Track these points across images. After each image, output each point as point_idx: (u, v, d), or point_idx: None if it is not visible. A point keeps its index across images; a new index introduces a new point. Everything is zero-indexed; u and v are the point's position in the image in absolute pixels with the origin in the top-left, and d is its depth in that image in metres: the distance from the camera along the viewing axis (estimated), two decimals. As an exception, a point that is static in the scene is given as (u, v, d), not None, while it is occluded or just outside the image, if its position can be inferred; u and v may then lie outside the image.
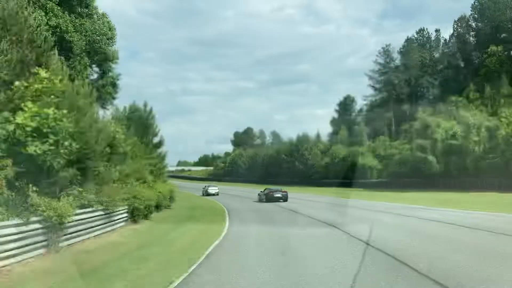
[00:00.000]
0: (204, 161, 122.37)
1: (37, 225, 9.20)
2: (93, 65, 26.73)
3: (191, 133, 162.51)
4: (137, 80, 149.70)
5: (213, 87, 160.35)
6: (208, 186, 46.06)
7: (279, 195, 31.68)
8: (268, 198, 31.55)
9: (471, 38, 63.25)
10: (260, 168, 75.03)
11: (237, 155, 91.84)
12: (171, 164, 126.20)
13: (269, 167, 73.12)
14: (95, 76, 27.44)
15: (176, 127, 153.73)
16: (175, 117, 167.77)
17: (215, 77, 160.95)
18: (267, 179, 62.08)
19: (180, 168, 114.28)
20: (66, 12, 23.09)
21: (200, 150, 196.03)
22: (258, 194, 34.35)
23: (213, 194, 42.65)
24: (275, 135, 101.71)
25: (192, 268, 8.41)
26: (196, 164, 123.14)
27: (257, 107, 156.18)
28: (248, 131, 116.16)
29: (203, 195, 43.34)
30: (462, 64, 63.59)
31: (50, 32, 18.50)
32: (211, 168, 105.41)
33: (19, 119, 9.70)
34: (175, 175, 79.86)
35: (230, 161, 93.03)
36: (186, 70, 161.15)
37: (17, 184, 9.25)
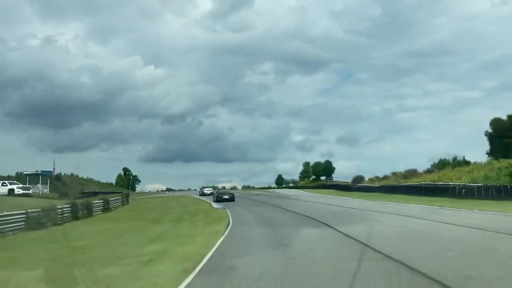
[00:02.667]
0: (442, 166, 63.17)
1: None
2: None
3: (411, 151, 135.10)
4: (352, 101, 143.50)
5: (432, 100, 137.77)
6: (204, 188, 57.67)
7: (227, 196, 38.18)
8: (218, 199, 37.79)
9: None
10: None
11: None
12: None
13: None
14: None
15: (393, 145, 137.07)
16: (393, 135, 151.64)
17: (433, 90, 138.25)
18: None
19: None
20: None
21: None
22: (212, 194, 45.24)
23: (208, 195, 49.11)
24: None
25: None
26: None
27: (488, 118, 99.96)
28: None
29: (200, 195, 51.12)
30: None
31: None
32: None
33: None
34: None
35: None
36: (402, 85, 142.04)
37: None
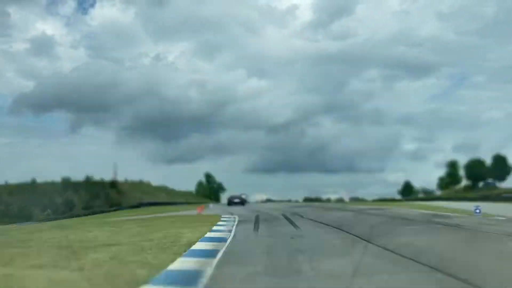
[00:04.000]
0: None
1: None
2: None
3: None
4: (467, 106, 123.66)
5: None
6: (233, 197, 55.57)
7: (237, 200, 40.99)
8: (229, 202, 40.99)
9: None
10: None
11: None
12: None
13: None
14: None
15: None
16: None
17: None
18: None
19: None
20: None
21: None
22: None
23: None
24: None
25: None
26: None
27: None
28: None
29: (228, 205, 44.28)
30: None
31: None
32: None
33: None
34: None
35: None
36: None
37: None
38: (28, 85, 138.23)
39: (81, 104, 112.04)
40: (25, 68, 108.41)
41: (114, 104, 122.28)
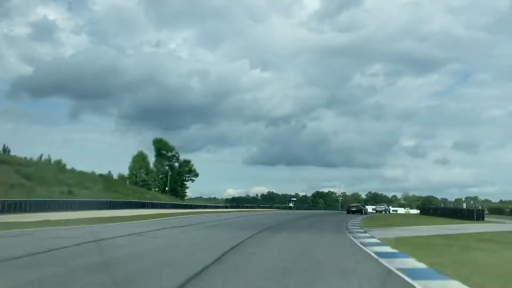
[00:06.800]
0: None
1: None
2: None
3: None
4: (470, 104, 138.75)
5: None
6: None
7: (354, 209, 43.86)
8: (348, 210, 44.21)
9: None
10: None
11: None
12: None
13: None
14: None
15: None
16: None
17: None
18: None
19: None
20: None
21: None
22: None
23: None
24: None
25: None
26: None
27: None
28: None
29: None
30: None
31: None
32: None
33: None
34: None
35: None
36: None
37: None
38: (27, 69, 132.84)
39: (81, 90, 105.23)
40: (25, 52, 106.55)
41: (114, 92, 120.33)
